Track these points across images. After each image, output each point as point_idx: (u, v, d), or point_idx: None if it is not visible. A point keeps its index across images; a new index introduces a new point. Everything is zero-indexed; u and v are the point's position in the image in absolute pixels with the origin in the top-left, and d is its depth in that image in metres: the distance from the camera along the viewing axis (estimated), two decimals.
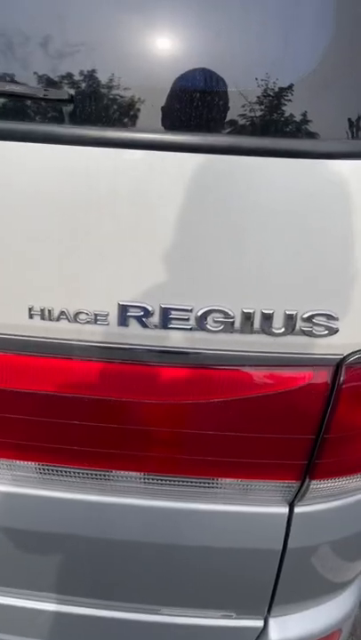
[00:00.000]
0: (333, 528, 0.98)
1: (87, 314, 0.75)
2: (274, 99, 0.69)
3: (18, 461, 0.89)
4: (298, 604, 1.11)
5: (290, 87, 0.69)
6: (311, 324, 0.74)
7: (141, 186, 0.70)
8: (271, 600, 1.07)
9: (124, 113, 0.70)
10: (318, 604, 1.13)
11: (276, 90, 0.68)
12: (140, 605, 1.08)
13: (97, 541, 0.97)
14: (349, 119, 0.70)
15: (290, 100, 0.69)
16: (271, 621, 1.10)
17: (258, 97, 0.68)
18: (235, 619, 1.09)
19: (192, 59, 0.68)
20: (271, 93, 0.68)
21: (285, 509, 0.93)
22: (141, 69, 0.69)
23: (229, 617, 1.09)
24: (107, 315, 0.75)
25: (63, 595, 1.09)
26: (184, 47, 0.70)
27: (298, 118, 0.69)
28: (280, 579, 1.02)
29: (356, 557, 1.10)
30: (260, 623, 1.10)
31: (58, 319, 0.76)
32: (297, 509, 0.92)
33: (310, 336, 0.75)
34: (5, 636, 1.18)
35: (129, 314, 0.75)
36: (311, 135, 0.70)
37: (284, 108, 0.69)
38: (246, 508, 0.92)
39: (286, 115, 0.69)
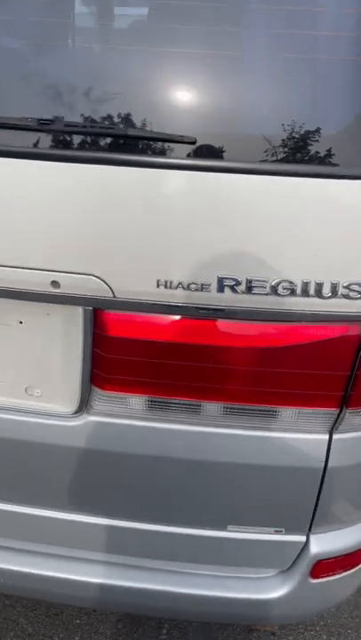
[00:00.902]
0: None
1: (196, 284, 1.10)
2: (318, 142, 1.06)
3: (134, 395, 1.23)
4: (333, 524, 1.44)
5: (331, 135, 1.07)
6: (349, 290, 1.09)
7: (238, 200, 1.06)
8: (312, 519, 1.39)
9: (225, 149, 1.07)
10: (349, 525, 1.45)
11: (322, 138, 1.06)
12: (212, 524, 1.40)
13: (186, 463, 1.30)
14: None
15: (329, 143, 1.07)
16: (312, 537, 1.43)
17: (304, 140, 1.06)
18: (284, 534, 1.42)
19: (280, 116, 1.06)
20: (317, 140, 1.06)
21: (326, 436, 1.26)
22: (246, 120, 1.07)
23: (280, 532, 1.41)
24: (209, 284, 1.10)
25: (153, 517, 1.41)
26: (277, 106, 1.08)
27: (326, 153, 1.06)
28: (320, 499, 1.35)
29: None
30: (303, 538, 1.42)
31: (176, 288, 1.11)
32: (335, 436, 1.26)
33: (348, 299, 1.10)
34: (100, 554, 1.49)
35: (225, 284, 1.10)
36: (334, 164, 1.06)
37: (324, 149, 1.07)
38: (297, 435, 1.26)
39: (324, 151, 1.07)
